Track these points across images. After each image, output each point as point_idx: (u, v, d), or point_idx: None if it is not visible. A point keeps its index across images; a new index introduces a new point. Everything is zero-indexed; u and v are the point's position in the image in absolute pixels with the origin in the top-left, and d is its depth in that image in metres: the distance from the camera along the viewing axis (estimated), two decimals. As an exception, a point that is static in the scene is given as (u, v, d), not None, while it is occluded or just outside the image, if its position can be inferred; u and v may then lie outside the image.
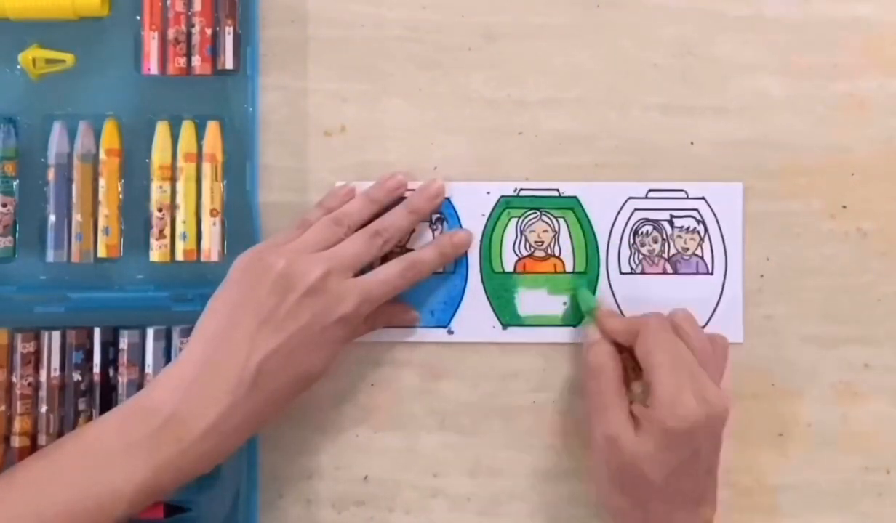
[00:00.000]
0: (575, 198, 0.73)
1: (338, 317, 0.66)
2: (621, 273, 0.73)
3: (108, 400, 0.70)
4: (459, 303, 0.73)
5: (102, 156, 0.72)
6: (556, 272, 0.73)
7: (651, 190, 0.73)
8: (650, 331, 0.66)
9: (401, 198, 0.72)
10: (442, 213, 0.73)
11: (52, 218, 0.71)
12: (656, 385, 0.64)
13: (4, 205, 0.71)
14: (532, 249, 0.73)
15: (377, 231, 0.69)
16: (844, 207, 0.74)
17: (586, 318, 0.71)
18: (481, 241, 0.73)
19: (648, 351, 0.66)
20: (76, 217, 0.71)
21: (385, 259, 0.70)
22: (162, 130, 0.72)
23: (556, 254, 0.73)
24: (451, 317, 0.73)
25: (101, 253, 0.72)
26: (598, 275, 0.73)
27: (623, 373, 0.67)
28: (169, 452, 0.62)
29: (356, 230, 0.69)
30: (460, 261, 0.73)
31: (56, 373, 0.71)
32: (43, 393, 0.70)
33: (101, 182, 0.72)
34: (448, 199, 0.73)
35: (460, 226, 0.73)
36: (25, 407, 0.70)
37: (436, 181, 0.72)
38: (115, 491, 0.61)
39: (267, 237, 0.72)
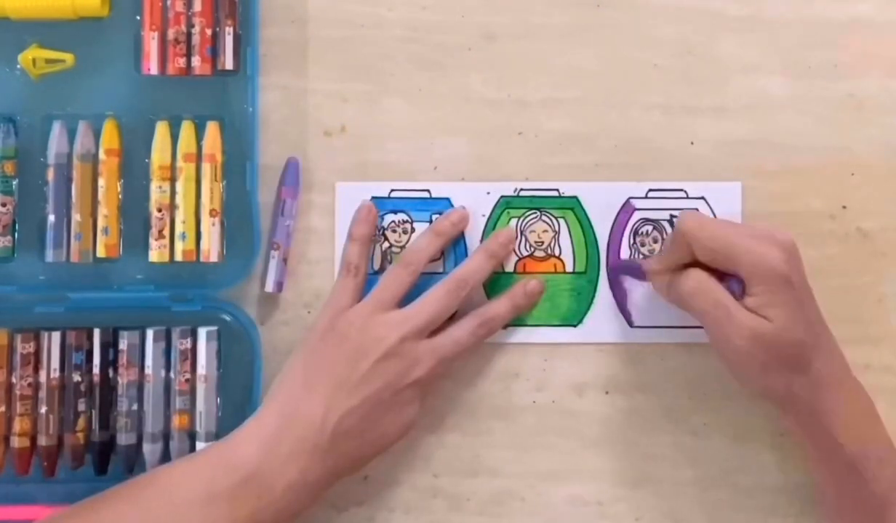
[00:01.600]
0: (575, 198, 0.73)
1: (412, 381, 0.67)
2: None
3: (107, 400, 0.70)
4: (459, 303, 0.73)
5: (102, 156, 0.72)
6: (556, 272, 0.73)
7: (651, 190, 0.73)
8: (698, 230, 0.65)
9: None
10: (442, 213, 0.73)
11: (51, 218, 0.71)
12: (742, 262, 0.64)
13: (4, 205, 0.71)
14: (532, 249, 0.73)
15: (464, 279, 0.70)
16: (844, 207, 0.74)
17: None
18: (481, 242, 0.73)
19: (708, 245, 0.65)
20: (75, 217, 0.71)
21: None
22: (162, 130, 0.72)
23: (557, 254, 0.73)
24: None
25: (101, 253, 0.72)
26: (598, 275, 0.73)
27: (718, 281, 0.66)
28: (249, 508, 0.64)
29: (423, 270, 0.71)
30: (460, 262, 0.73)
31: (56, 374, 0.70)
32: (42, 393, 0.70)
33: (101, 182, 0.71)
34: (448, 200, 0.73)
35: (460, 226, 0.73)
36: (25, 407, 0.70)
37: (508, 229, 0.73)
38: None
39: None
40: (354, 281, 0.70)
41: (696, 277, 0.66)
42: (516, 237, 0.73)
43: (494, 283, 0.73)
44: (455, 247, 0.73)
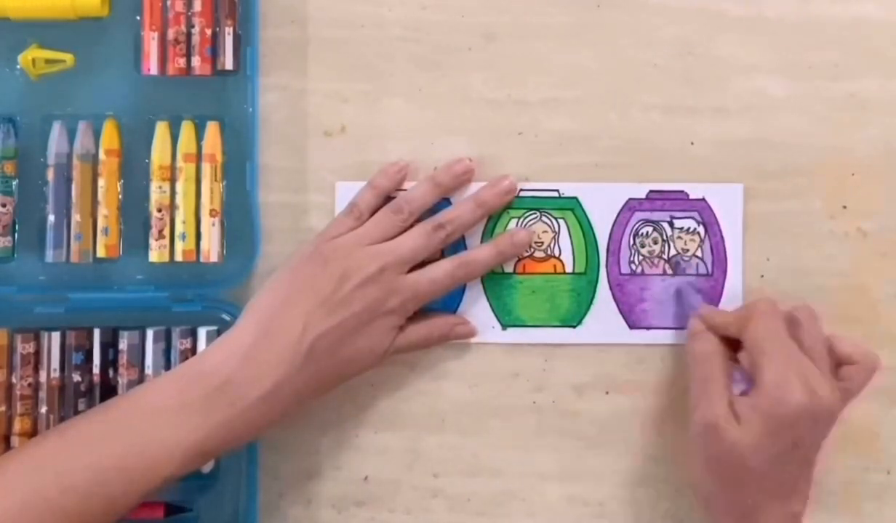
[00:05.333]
0: (575, 198, 0.73)
1: (387, 309, 0.68)
2: (621, 274, 0.73)
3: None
4: (459, 303, 0.73)
5: (102, 156, 0.72)
6: (555, 273, 0.73)
7: (651, 191, 0.73)
8: (761, 318, 0.66)
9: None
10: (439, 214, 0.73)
11: (51, 218, 0.71)
12: (763, 370, 0.63)
13: (4, 205, 0.71)
14: (532, 250, 0.73)
15: (441, 223, 0.70)
16: (844, 207, 0.74)
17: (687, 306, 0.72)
18: (481, 242, 0.73)
19: (757, 337, 0.65)
20: (75, 217, 0.71)
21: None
22: (161, 130, 0.72)
23: (556, 254, 0.73)
24: (452, 318, 0.73)
25: (101, 253, 0.72)
26: (597, 276, 0.73)
27: (727, 365, 0.67)
28: (222, 415, 0.64)
29: (418, 217, 0.71)
30: (460, 262, 0.73)
31: (56, 374, 0.70)
32: (43, 393, 0.70)
33: (101, 182, 0.71)
34: (448, 200, 0.73)
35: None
36: (25, 407, 0.70)
37: (508, 177, 0.72)
38: (168, 449, 0.63)
39: (267, 237, 0.72)
40: (352, 222, 0.70)
41: (708, 346, 0.67)
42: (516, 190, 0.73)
43: (494, 284, 0.73)
44: (455, 247, 0.73)
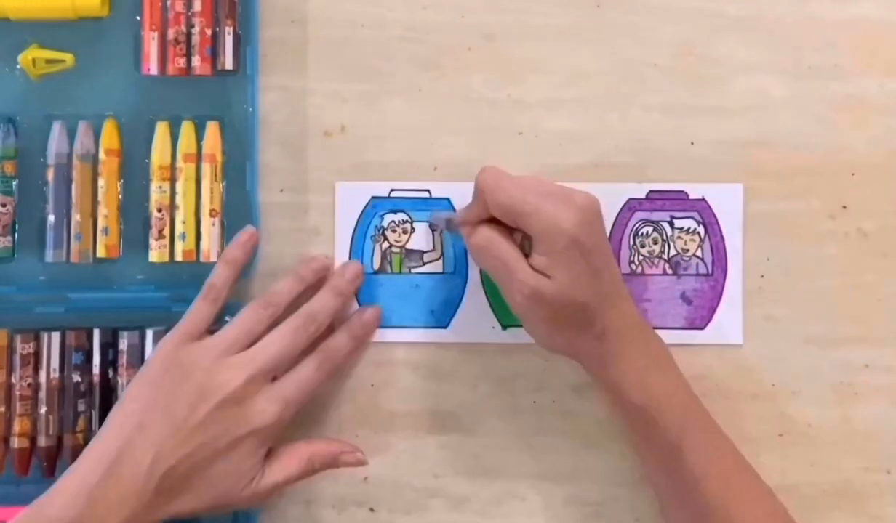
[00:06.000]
0: (575, 198, 0.73)
1: (252, 429, 0.65)
2: (621, 274, 0.73)
3: (107, 401, 0.70)
4: (459, 303, 0.73)
5: (102, 156, 0.72)
6: (556, 272, 0.73)
7: (651, 191, 0.73)
8: (493, 189, 0.65)
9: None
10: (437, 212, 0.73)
11: (51, 218, 0.71)
12: (529, 223, 0.64)
13: (4, 205, 0.71)
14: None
15: (307, 318, 0.68)
16: (844, 207, 0.74)
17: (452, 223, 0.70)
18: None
19: (501, 203, 0.65)
20: (75, 217, 0.71)
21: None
22: (162, 130, 0.72)
23: (557, 254, 0.73)
24: (451, 318, 0.73)
25: (101, 253, 0.72)
26: (598, 275, 0.73)
27: (508, 238, 0.66)
28: None
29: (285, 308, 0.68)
30: (460, 262, 0.73)
31: (55, 374, 0.70)
32: (42, 394, 0.70)
33: (101, 182, 0.72)
34: (448, 200, 0.73)
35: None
36: (25, 408, 0.70)
37: (355, 263, 0.72)
38: None
39: (266, 238, 0.72)
40: (211, 307, 0.68)
41: (484, 235, 0.66)
42: (364, 274, 0.72)
43: (495, 284, 0.73)
44: (455, 247, 0.73)
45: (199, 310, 0.68)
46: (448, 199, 0.73)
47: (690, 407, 0.67)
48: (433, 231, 0.73)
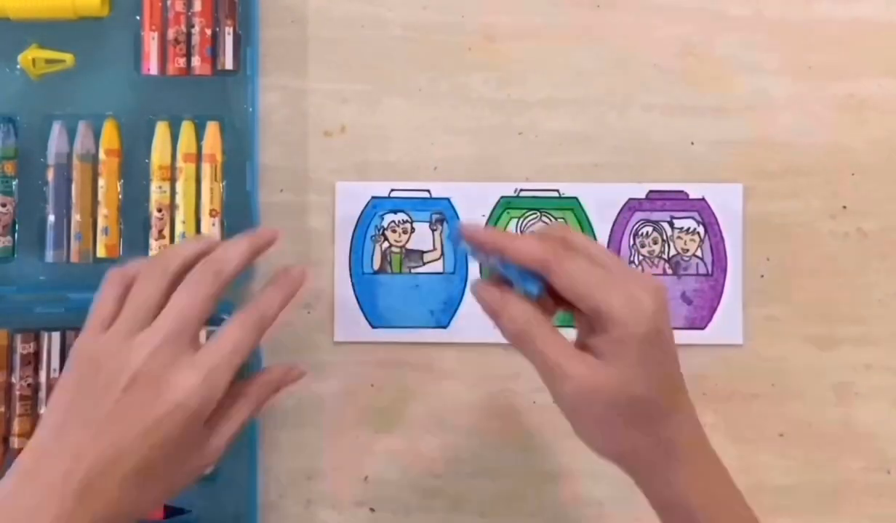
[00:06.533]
0: (575, 198, 0.73)
1: (172, 407, 0.55)
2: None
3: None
4: (459, 302, 0.73)
5: (102, 156, 0.72)
6: (556, 272, 0.73)
7: (651, 191, 0.73)
8: (557, 258, 0.56)
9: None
10: (442, 214, 0.73)
11: (51, 218, 0.71)
12: (603, 301, 0.55)
13: (4, 205, 0.71)
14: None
15: (209, 261, 0.58)
16: (844, 207, 0.74)
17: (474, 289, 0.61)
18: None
19: (570, 275, 0.55)
20: (75, 217, 0.71)
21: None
22: (162, 130, 0.72)
23: (557, 254, 0.73)
24: (451, 318, 0.73)
25: (101, 253, 0.72)
26: (598, 275, 0.73)
27: (547, 317, 0.58)
28: None
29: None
30: (460, 262, 0.73)
31: (56, 374, 0.70)
32: (42, 394, 0.70)
33: (101, 182, 0.72)
34: (448, 200, 0.73)
35: (460, 226, 0.73)
36: (25, 408, 0.70)
37: (300, 268, 0.63)
38: None
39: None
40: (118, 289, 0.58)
41: (522, 314, 0.57)
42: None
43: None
44: (455, 250, 0.73)
45: (107, 298, 0.58)
46: (448, 199, 0.73)
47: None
48: (430, 220, 0.73)
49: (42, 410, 0.70)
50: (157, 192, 0.71)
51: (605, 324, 0.55)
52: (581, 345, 0.57)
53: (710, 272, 0.73)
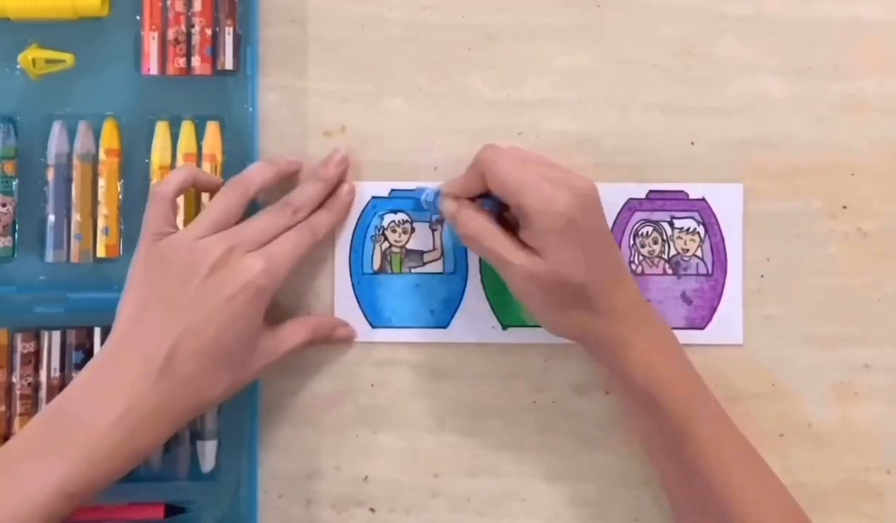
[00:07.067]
0: (575, 198, 0.73)
1: (243, 284, 0.64)
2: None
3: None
4: (459, 303, 0.73)
5: (102, 156, 0.72)
6: (556, 272, 0.73)
7: (651, 191, 0.73)
8: (492, 163, 0.66)
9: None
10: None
11: (51, 218, 0.71)
12: (523, 200, 0.64)
13: (4, 205, 0.71)
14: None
15: (286, 202, 0.69)
16: (844, 207, 0.74)
17: (439, 202, 0.70)
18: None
19: (499, 178, 0.65)
20: (76, 217, 0.71)
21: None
22: (162, 130, 0.72)
23: (557, 254, 0.73)
24: (451, 318, 0.73)
25: (101, 253, 0.72)
26: (598, 275, 0.73)
27: (494, 220, 0.67)
28: (79, 451, 0.61)
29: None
30: (460, 262, 0.73)
31: (56, 374, 0.71)
32: (43, 393, 0.70)
33: (101, 182, 0.72)
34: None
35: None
36: (25, 407, 0.70)
37: (339, 150, 0.72)
38: (28, 498, 0.60)
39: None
40: (164, 203, 0.67)
41: (473, 221, 0.67)
42: (347, 160, 0.73)
43: (495, 284, 0.73)
44: (455, 247, 0.73)
45: (154, 210, 0.67)
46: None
47: (698, 392, 0.68)
48: (430, 219, 0.73)
49: (42, 409, 0.70)
50: (157, 192, 0.71)
51: (526, 220, 0.65)
52: (521, 241, 0.66)
53: (710, 272, 0.73)
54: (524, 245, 0.65)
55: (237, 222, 0.67)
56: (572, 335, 0.68)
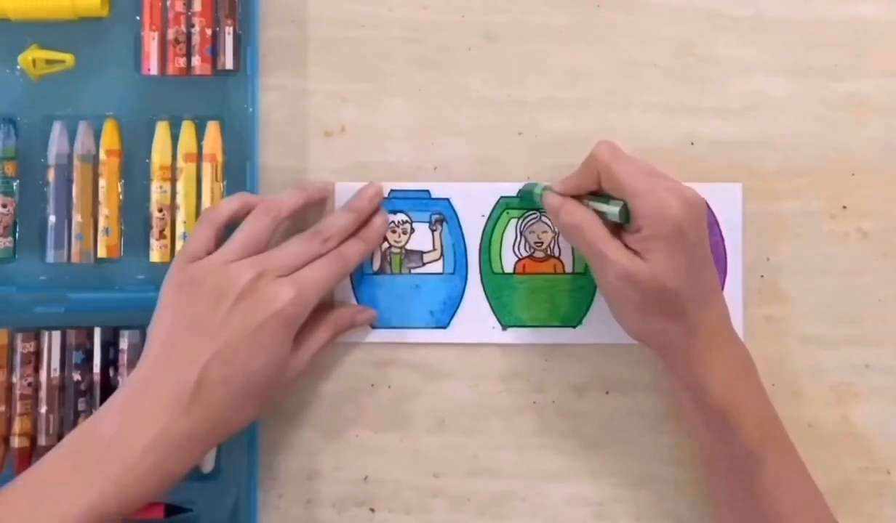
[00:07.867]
0: (575, 198, 0.73)
1: (272, 313, 0.64)
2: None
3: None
4: (459, 303, 0.73)
5: (102, 156, 0.72)
6: (555, 273, 0.73)
7: (651, 191, 0.73)
8: (610, 164, 0.66)
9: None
10: (442, 214, 0.73)
11: (52, 218, 0.71)
12: (639, 203, 0.64)
13: (4, 206, 0.71)
14: (532, 250, 0.73)
15: (317, 231, 0.69)
16: (844, 207, 0.74)
17: (542, 197, 0.70)
18: (481, 242, 0.73)
19: (615, 178, 0.65)
20: (76, 217, 0.71)
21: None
22: (162, 130, 0.72)
23: (556, 254, 0.73)
24: (451, 318, 0.73)
25: (102, 253, 0.72)
26: (598, 275, 0.73)
27: (599, 219, 0.67)
28: (112, 473, 0.61)
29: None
30: (460, 262, 0.73)
31: (56, 374, 0.71)
32: (43, 393, 0.71)
33: (102, 182, 0.72)
34: (448, 200, 0.73)
35: (460, 227, 0.73)
36: (25, 407, 0.70)
37: (374, 185, 0.72)
38: (61, 517, 0.60)
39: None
40: (209, 229, 0.67)
41: (576, 212, 0.67)
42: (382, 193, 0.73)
43: (495, 285, 0.73)
44: (455, 247, 0.73)
45: (200, 233, 0.67)
46: (448, 200, 0.73)
47: (771, 420, 0.67)
48: (430, 220, 0.73)
49: (42, 409, 0.70)
50: (157, 192, 0.71)
51: (637, 224, 0.65)
52: (625, 244, 0.66)
53: (709, 272, 0.73)
54: (625, 246, 0.65)
55: (267, 247, 0.67)
56: (653, 343, 0.68)
